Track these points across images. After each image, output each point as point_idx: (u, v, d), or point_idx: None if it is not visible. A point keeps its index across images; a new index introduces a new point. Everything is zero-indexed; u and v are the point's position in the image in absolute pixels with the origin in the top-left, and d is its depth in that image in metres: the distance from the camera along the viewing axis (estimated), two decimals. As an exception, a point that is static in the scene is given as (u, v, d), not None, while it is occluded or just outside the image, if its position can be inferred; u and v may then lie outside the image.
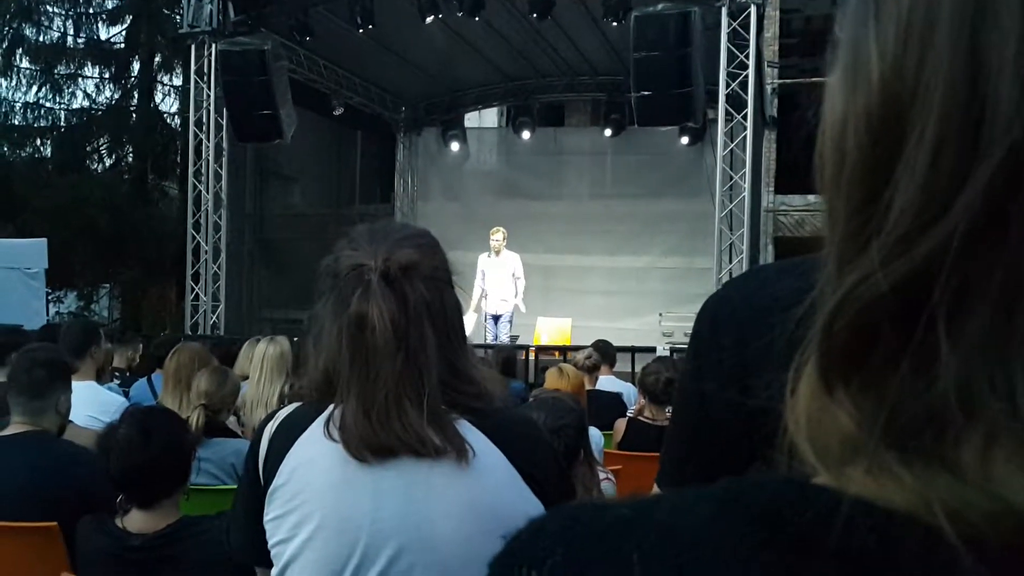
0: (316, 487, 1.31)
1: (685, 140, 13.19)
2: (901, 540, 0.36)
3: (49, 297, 15.01)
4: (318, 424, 1.33)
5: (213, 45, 11.32)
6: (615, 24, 10.75)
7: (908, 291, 0.37)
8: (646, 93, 9.69)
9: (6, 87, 18.04)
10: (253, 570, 1.44)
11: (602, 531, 0.41)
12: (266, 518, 1.34)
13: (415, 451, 1.27)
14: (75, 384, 3.33)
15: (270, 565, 1.34)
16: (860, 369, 0.39)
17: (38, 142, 18.51)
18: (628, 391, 5.63)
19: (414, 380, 1.28)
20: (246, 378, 4.01)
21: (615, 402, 5.30)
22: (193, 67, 11.91)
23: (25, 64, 18.16)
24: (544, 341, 10.30)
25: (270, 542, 1.33)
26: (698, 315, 0.98)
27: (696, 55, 9.38)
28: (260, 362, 3.69)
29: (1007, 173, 0.36)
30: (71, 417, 3.31)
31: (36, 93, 18.26)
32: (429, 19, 11.19)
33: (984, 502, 0.35)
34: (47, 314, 12.51)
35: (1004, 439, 0.35)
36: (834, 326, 0.40)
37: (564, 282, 13.63)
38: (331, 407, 1.32)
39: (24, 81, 18.15)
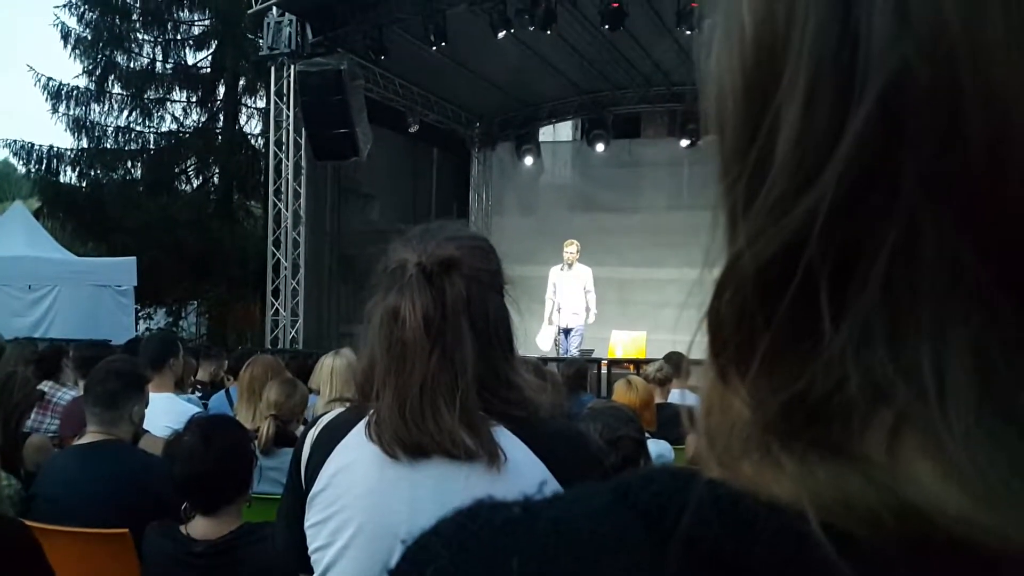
0: (354, 493, 1.30)
1: (764, 149, 12.93)
2: (759, 530, 0.32)
3: (139, 314, 15.59)
4: (359, 429, 1.32)
5: (292, 66, 11.62)
6: (688, 32, 10.63)
7: (783, 266, 0.33)
8: (721, 102, 9.52)
9: (99, 112, 18.89)
10: (300, 575, 1.44)
11: (491, 532, 0.39)
12: (307, 524, 1.33)
13: (447, 452, 1.25)
14: (153, 395, 3.42)
15: (311, 571, 1.33)
16: (752, 353, 0.34)
17: (129, 164, 19.29)
18: (702, 404, 5.51)
19: (449, 380, 1.26)
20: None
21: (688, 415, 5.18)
22: (273, 88, 12.26)
23: (117, 89, 18.99)
24: (619, 354, 10.19)
25: (310, 548, 1.32)
26: None
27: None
28: (329, 376, 3.74)
29: (886, 117, 0.31)
30: (149, 427, 3.40)
31: (127, 117, 19.08)
32: (501, 34, 11.26)
33: (869, 493, 0.30)
34: (136, 330, 12.97)
35: (911, 427, 0.31)
36: (719, 306, 0.36)
37: (640, 295, 13.48)
38: (372, 411, 1.31)
39: (116, 106, 18.99)
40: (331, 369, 3.75)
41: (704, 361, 0.38)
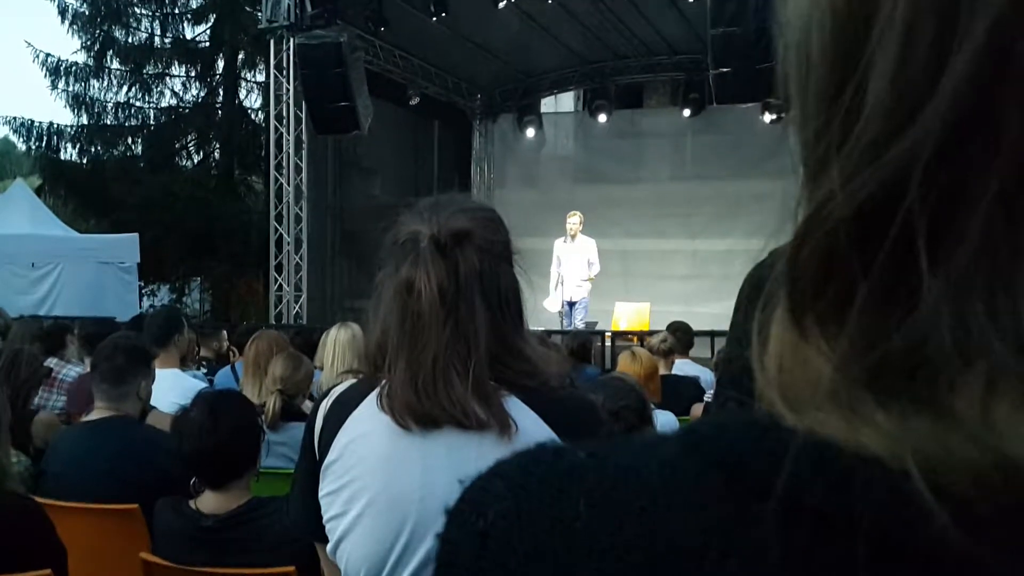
0: (368, 462, 1.31)
1: (768, 118, 12.84)
2: (858, 487, 0.31)
3: (143, 291, 15.60)
4: (371, 399, 1.33)
5: (291, 39, 11.53)
6: (691, 1, 10.54)
7: (878, 210, 0.31)
8: (725, 70, 9.47)
9: (98, 88, 18.80)
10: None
11: (556, 477, 0.39)
12: (321, 493, 1.35)
13: (459, 422, 1.26)
14: (159, 371, 3.43)
15: (326, 540, 1.35)
16: (835, 305, 0.33)
17: (129, 140, 19.23)
18: (706, 375, 5.52)
19: (461, 351, 1.27)
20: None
21: (692, 386, 5.20)
22: (272, 62, 12.17)
23: (116, 65, 18.89)
24: (623, 326, 10.18)
25: (325, 517, 1.34)
26: (745, 278, 0.93)
27: (777, 28, 9.10)
28: (332, 347, 3.75)
29: (994, 53, 0.29)
30: (156, 403, 3.42)
31: (126, 93, 18.99)
32: (502, 4, 11.17)
33: (971, 450, 0.29)
34: (140, 307, 13.00)
35: (1008, 382, 0.29)
36: (800, 257, 0.34)
37: (643, 266, 13.46)
38: (384, 381, 1.32)
39: (115, 82, 18.91)
40: (335, 340, 3.77)
41: (777, 314, 0.36)
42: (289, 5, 11.30)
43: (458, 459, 1.26)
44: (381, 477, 1.29)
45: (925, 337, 0.31)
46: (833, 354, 0.33)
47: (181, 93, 19.53)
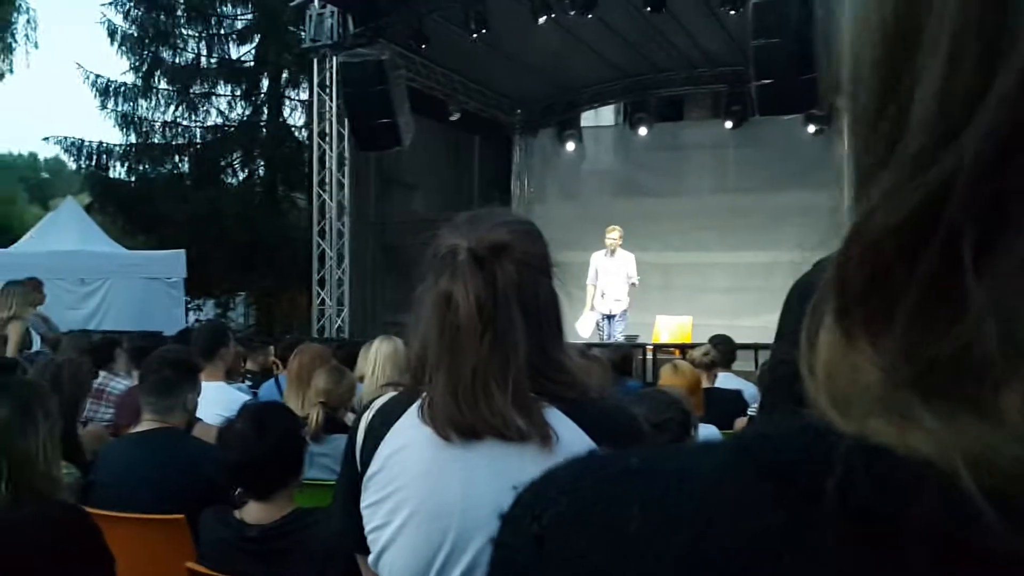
0: (410, 474, 1.32)
1: (811, 129, 12.70)
2: (909, 489, 0.31)
3: (189, 306, 15.84)
4: (412, 411, 1.34)
5: (334, 58, 11.69)
6: (732, 13, 10.49)
7: (923, 221, 0.32)
8: (767, 82, 9.40)
9: (146, 107, 19.19)
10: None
11: (609, 481, 0.40)
12: (363, 505, 1.36)
13: (500, 434, 1.26)
14: (204, 384, 3.48)
15: (367, 551, 1.36)
16: (882, 312, 0.34)
17: (176, 159, 19.58)
18: (749, 389, 5.46)
19: (501, 363, 1.27)
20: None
21: (736, 400, 5.14)
22: (316, 80, 12.35)
23: (163, 85, 19.26)
24: (664, 339, 10.12)
25: (367, 528, 1.35)
26: (792, 287, 0.93)
27: (819, 39, 9.04)
28: (374, 359, 3.79)
29: None
30: (202, 415, 3.47)
31: (174, 112, 19.35)
32: (542, 19, 11.20)
33: (1016, 450, 0.30)
34: (186, 321, 13.20)
35: None
36: (847, 266, 0.35)
37: (684, 280, 13.36)
38: (425, 394, 1.32)
39: (162, 101, 19.25)
40: (376, 352, 3.80)
41: (826, 321, 0.37)
42: (332, 25, 11.49)
43: (499, 470, 1.26)
44: (423, 488, 1.30)
45: (971, 342, 0.31)
46: (881, 360, 0.34)
47: (227, 112, 19.87)
